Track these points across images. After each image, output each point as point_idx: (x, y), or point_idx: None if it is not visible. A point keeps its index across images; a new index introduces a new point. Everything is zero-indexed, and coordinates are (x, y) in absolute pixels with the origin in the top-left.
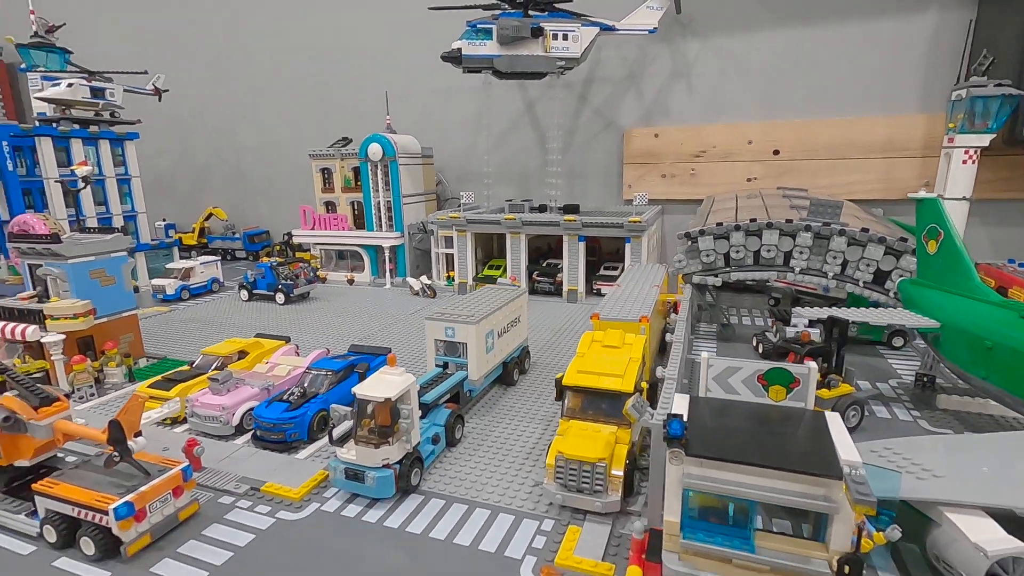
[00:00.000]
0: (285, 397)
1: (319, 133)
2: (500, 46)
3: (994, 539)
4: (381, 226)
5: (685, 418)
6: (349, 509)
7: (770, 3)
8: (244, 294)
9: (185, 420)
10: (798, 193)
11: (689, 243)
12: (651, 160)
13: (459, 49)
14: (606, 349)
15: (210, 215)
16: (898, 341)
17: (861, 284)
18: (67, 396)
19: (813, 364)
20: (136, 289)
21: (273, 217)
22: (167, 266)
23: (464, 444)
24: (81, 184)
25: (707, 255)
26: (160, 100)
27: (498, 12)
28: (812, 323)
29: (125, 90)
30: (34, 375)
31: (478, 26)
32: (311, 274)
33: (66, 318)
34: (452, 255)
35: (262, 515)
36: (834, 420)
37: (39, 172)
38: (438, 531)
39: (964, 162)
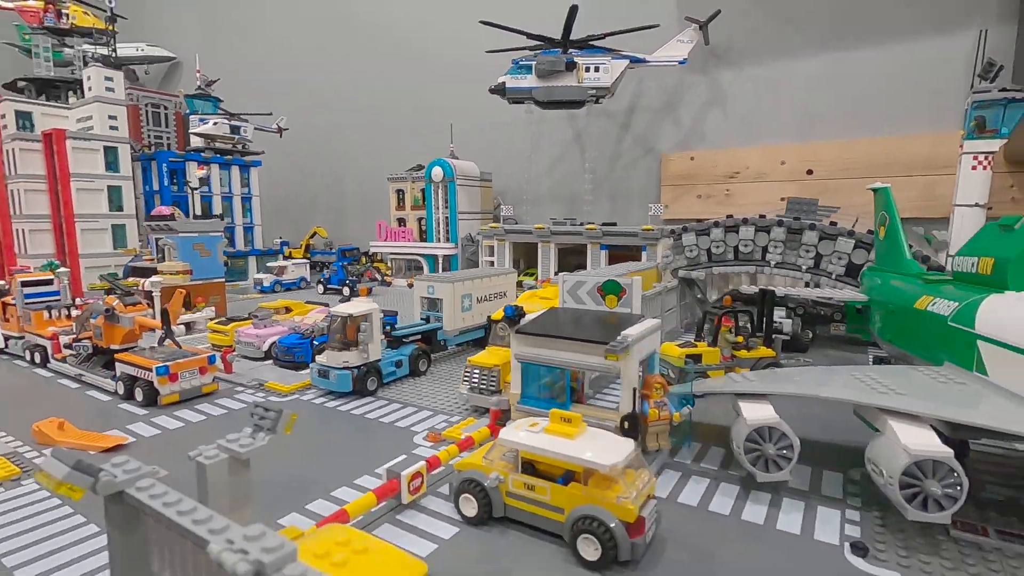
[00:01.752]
0: (301, 332)
1: (400, 162)
2: (539, 79)
3: (919, 443)
4: (439, 238)
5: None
6: (319, 401)
7: (804, 30)
8: (320, 288)
9: (234, 348)
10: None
11: (675, 239)
12: (687, 182)
13: (503, 83)
14: (540, 300)
15: (314, 233)
16: None
17: (834, 277)
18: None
19: (638, 278)
20: (224, 262)
21: (364, 234)
22: (267, 264)
23: (427, 376)
24: (198, 183)
25: (690, 250)
26: (281, 137)
27: (541, 51)
28: (789, 310)
29: (255, 128)
30: (130, 288)
31: (520, 63)
32: (376, 275)
33: (171, 274)
34: (494, 262)
35: (258, 397)
36: (648, 320)
37: (186, 189)
38: (374, 415)
39: (974, 168)
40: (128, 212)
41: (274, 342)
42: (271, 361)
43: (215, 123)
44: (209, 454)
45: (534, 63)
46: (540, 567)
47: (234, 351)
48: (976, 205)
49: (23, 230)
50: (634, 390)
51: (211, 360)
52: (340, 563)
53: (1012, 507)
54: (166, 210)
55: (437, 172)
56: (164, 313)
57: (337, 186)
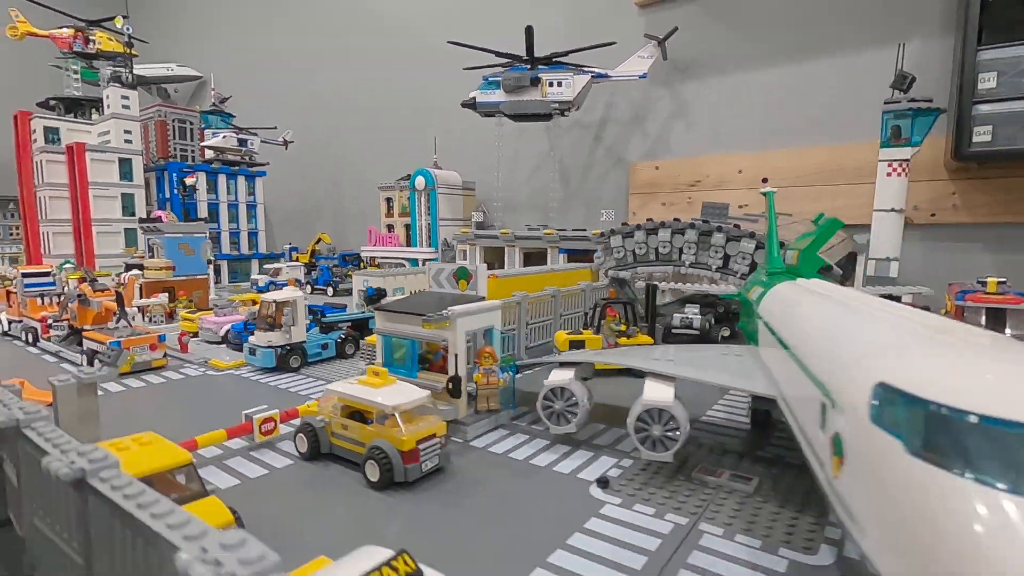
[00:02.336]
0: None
1: (399, 171)
2: (506, 94)
3: (652, 395)
4: (422, 243)
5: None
6: (248, 375)
7: (761, 44)
8: (308, 288)
9: (197, 333)
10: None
11: (605, 241)
12: (653, 190)
13: (474, 98)
14: None
15: (319, 239)
16: None
17: (739, 276)
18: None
19: (484, 265)
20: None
21: (363, 240)
22: (264, 265)
23: (354, 358)
24: (189, 191)
25: (618, 251)
26: (287, 149)
27: (510, 67)
28: (703, 307)
29: (262, 141)
30: (99, 276)
31: (489, 79)
32: None
33: (155, 269)
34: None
35: (199, 371)
36: (487, 302)
37: (195, 196)
38: (291, 386)
39: (888, 175)
40: (140, 217)
41: (228, 328)
42: (226, 344)
43: (224, 137)
44: (61, 379)
45: (501, 79)
46: (340, 488)
47: (196, 335)
48: (893, 210)
49: (48, 233)
50: (456, 356)
51: (161, 339)
52: (123, 448)
53: (768, 460)
54: (159, 214)
55: (420, 181)
56: (119, 297)
57: (341, 194)
